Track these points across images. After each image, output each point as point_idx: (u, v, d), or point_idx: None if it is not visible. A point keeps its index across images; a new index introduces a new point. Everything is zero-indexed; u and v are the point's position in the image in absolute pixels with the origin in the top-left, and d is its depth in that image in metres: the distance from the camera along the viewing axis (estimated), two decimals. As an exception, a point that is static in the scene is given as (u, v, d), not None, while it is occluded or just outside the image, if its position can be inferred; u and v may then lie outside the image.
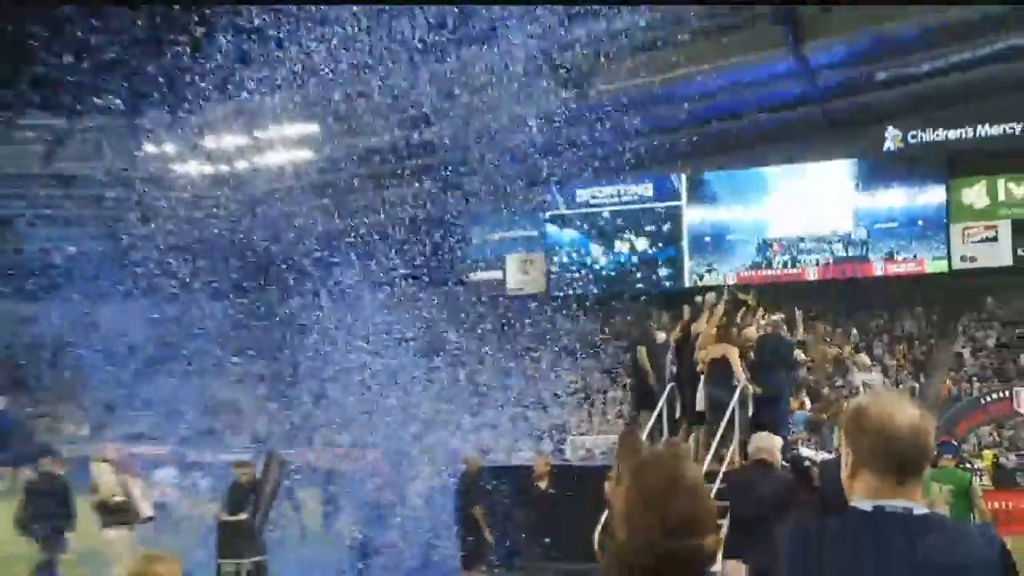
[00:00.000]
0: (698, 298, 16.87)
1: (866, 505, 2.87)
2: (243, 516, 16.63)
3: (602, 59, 45.12)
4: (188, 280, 41.93)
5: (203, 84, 36.10)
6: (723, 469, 13.12)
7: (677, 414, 16.03)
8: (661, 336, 17.19)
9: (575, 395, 49.21)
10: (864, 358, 20.34)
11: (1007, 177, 47.89)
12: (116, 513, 15.79)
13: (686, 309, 17.20)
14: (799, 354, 16.12)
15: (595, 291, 53.90)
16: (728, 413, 14.50)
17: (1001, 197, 48.05)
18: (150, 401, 38.73)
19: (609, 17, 37.85)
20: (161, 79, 38.68)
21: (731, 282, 46.07)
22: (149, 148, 53.24)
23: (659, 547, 2.78)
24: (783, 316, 16.46)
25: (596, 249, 55.10)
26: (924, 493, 2.92)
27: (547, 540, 14.36)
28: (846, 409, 10.88)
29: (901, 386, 42.92)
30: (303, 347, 32.32)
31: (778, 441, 11.40)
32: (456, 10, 34.94)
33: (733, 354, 14.86)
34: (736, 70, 46.77)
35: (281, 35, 31.97)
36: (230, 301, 48.78)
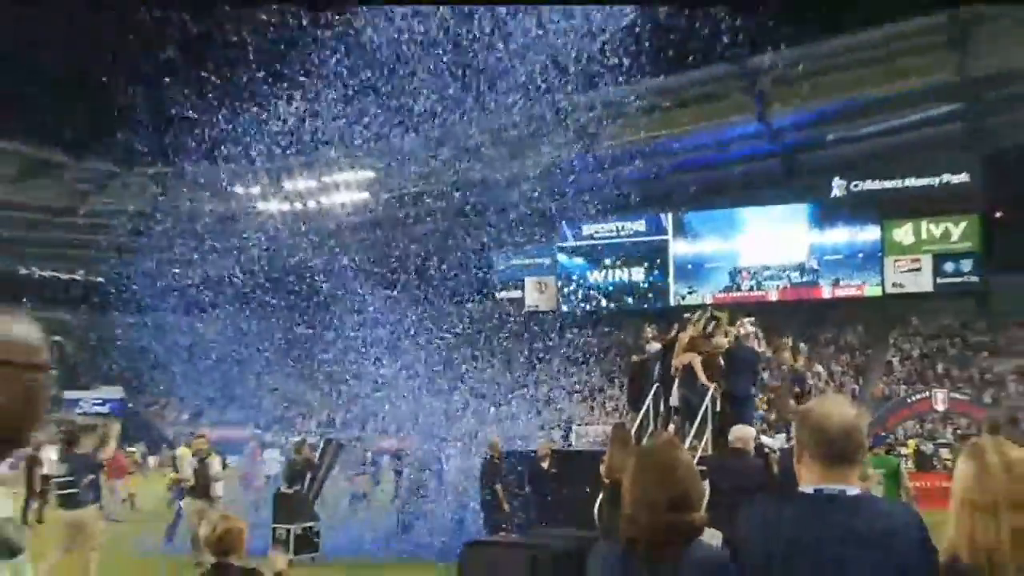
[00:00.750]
0: (687, 315, 16.83)
1: (809, 488, 2.89)
2: (296, 489, 16.71)
3: (606, 121, 45.34)
4: (269, 298, 41.99)
5: (281, 138, 36.15)
6: (697, 456, 13.06)
7: (662, 409, 15.73)
8: (655, 346, 16.79)
9: (579, 393, 49.24)
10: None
11: (928, 220, 48.11)
12: (192, 491, 15.92)
13: (676, 326, 17.17)
14: (763, 361, 16.02)
15: (597, 308, 53.80)
16: (701, 410, 14.36)
17: (924, 236, 48.37)
18: (236, 395, 38.84)
19: (612, 85, 37.85)
20: (249, 134, 38.71)
21: (708, 302, 46.16)
22: (238, 189, 53.37)
23: (659, 519, 2.94)
24: (754, 331, 16.39)
25: (598, 274, 55.05)
26: (863, 476, 2.95)
27: (553, 510, 14.36)
28: (795, 409, 10.85)
29: (844, 388, 43.12)
30: (364, 351, 32.13)
31: (752, 432, 11.35)
32: (488, 80, 34.82)
33: (696, 361, 14.69)
34: (714, 130, 47.82)
35: (339, 97, 31.97)
36: (304, 316, 48.92)
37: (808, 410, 3.08)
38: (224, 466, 17.05)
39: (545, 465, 15.71)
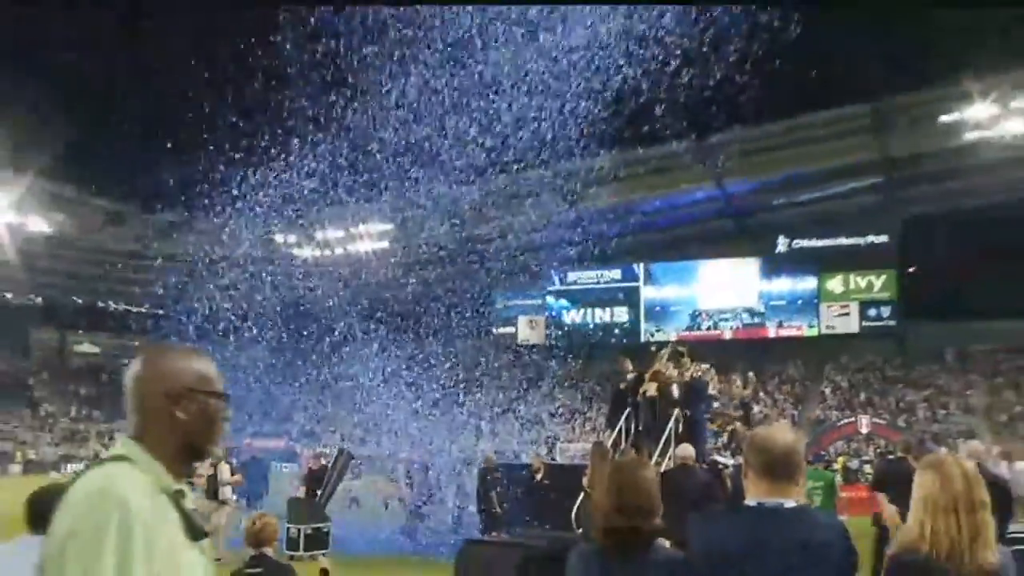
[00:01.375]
0: (654, 348, 16.81)
1: (752, 502, 2.93)
2: (308, 494, 16.67)
3: (591, 186, 45.45)
4: (302, 329, 41.88)
5: (312, 194, 36.20)
6: (661, 470, 13.05)
7: (633, 430, 15.68)
8: (629, 377, 16.32)
9: (563, 414, 49.11)
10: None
11: (855, 274, 48.17)
12: (204, 493, 15.93)
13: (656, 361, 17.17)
14: (715, 391, 15.96)
15: (579, 343, 53.61)
16: (664, 431, 14.24)
17: (852, 287, 48.40)
18: (273, 412, 38.62)
19: (592, 155, 37.95)
20: (288, 189, 38.74)
21: (672, 339, 46.10)
22: (278, 237, 53.25)
23: (625, 524, 3.06)
24: (708, 365, 16.40)
25: (581, 313, 54.83)
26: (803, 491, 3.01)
27: (540, 514, 14.31)
28: (743, 432, 10.82)
29: (785, 413, 43.17)
30: (381, 376, 31.98)
31: (692, 450, 11.08)
32: (486, 152, 34.83)
33: (666, 389, 14.69)
34: (679, 194, 48.00)
35: (364, 161, 32.00)
36: (331, 345, 48.53)
37: (756, 434, 3.11)
38: (232, 472, 16.99)
39: (539, 476, 15.70)
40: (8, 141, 41.44)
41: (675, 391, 14.86)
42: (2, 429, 49.65)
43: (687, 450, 10.98)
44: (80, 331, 61.34)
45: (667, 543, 3.43)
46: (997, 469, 11.01)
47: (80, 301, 57.74)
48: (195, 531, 2.01)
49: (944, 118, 40.14)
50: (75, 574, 1.75)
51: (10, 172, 43.52)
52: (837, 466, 34.30)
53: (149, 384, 2.08)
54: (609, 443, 14.82)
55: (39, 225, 48.40)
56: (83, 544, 1.78)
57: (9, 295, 57.89)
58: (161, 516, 1.91)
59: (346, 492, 23.23)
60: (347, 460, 18.50)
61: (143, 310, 53.89)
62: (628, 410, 15.57)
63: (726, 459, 13.70)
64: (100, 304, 56.78)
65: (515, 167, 36.56)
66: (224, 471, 16.43)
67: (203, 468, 17.66)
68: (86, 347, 61.62)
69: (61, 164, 44.10)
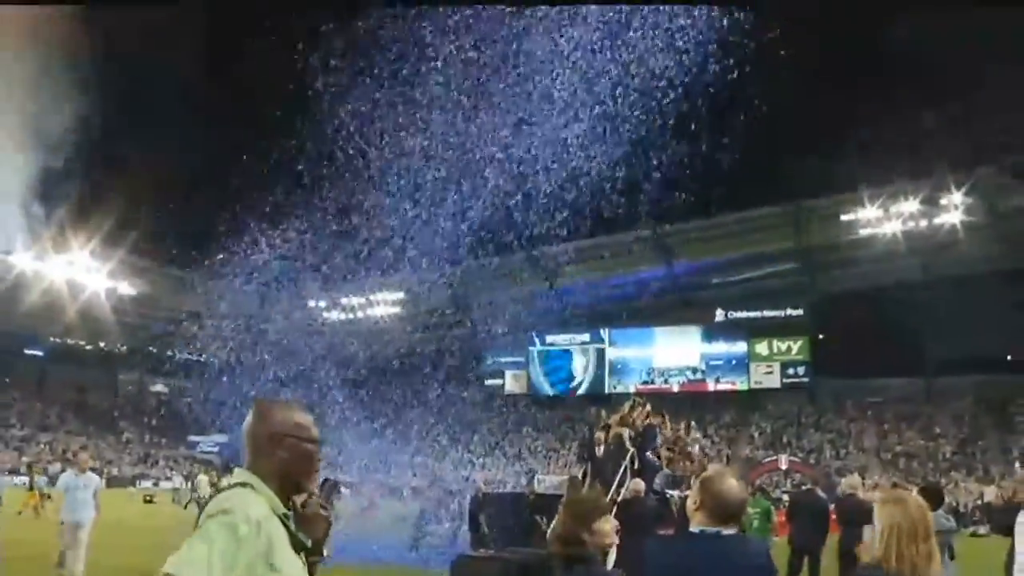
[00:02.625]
0: (623, 401, 16.78)
1: (696, 529, 2.89)
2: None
3: (562, 265, 45.70)
4: (327, 379, 41.45)
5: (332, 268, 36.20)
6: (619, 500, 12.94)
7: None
8: (602, 423, 16.46)
9: (541, 452, 48.70)
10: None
11: (777, 339, 48.13)
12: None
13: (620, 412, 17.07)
14: (663, 436, 15.87)
15: (556, 394, 53.39)
16: (623, 466, 14.18)
17: (775, 350, 48.34)
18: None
19: (566, 239, 38.12)
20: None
21: (632, 391, 45.98)
22: (311, 302, 53.12)
23: (562, 546, 3.04)
24: (661, 415, 16.32)
25: (557, 369, 54.32)
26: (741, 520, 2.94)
27: (524, 534, 14.08)
28: (692, 469, 10.52)
29: (720, 452, 42.83)
30: (390, 418, 31.69)
31: (643, 484, 11.09)
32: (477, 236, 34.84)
33: (625, 433, 14.73)
34: (635, 272, 47.92)
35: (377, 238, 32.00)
36: (351, 391, 48.12)
37: (714, 481, 3.01)
38: (212, 485, 16.39)
39: (533, 498, 15.52)
40: (105, 223, 42.20)
41: (630, 434, 14.77)
42: (93, 451, 49.60)
43: (638, 484, 10.91)
44: (154, 374, 61.78)
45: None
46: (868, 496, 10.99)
47: (155, 350, 57.91)
48: (297, 544, 2.08)
49: (844, 217, 40.76)
50: (199, 536, 1.89)
51: (107, 247, 44.31)
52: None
53: (258, 429, 2.15)
54: (580, 475, 14.92)
55: (127, 289, 48.82)
56: (210, 524, 1.91)
57: (103, 344, 58.51)
58: (274, 530, 2.00)
59: (360, 510, 22.88)
60: (331, 488, 18.11)
61: (203, 359, 53.64)
62: (596, 449, 15.48)
63: (674, 492, 13.44)
64: (170, 353, 56.78)
65: (499, 249, 36.75)
66: (203, 482, 15.73)
67: (204, 485, 17.03)
68: (159, 387, 62.14)
69: (144, 240, 44.59)
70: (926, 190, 38.62)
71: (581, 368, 53.68)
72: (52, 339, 56.73)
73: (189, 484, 35.71)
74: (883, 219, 40.16)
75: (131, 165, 42.02)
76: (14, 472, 39.10)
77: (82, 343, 57.77)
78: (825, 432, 44.17)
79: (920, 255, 41.21)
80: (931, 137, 35.92)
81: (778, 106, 35.80)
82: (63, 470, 35.73)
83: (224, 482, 2.21)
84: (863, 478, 31.35)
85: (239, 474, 2.14)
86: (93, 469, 10.96)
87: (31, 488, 24.38)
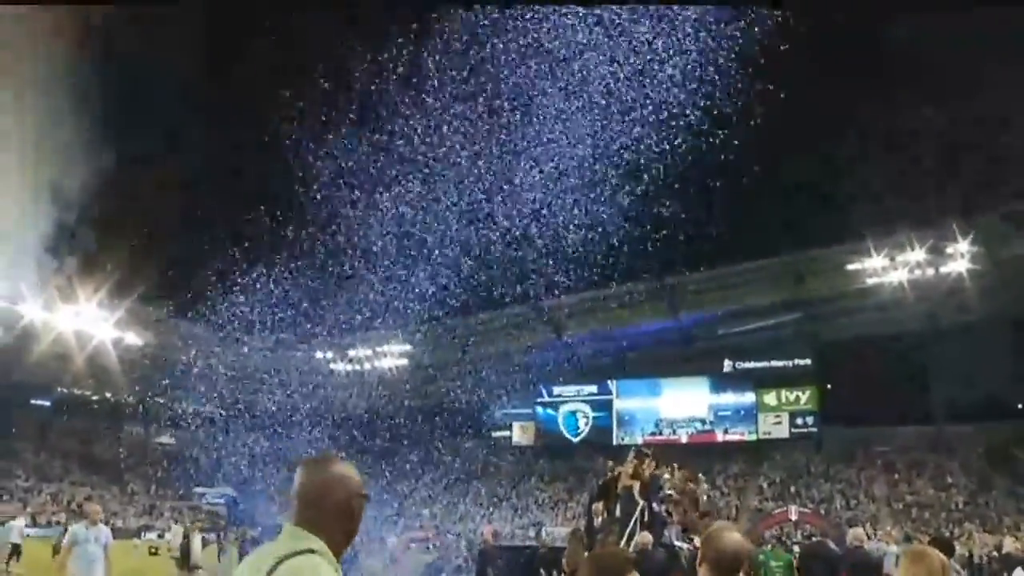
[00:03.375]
0: (632, 452, 16.86)
1: None
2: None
3: (569, 316, 46.11)
4: (336, 430, 41.73)
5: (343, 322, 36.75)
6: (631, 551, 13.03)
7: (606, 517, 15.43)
8: (609, 474, 16.23)
9: (549, 503, 48.78)
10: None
11: (785, 389, 48.43)
12: (177, 560, 15.88)
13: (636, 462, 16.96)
14: (671, 489, 15.99)
15: (563, 444, 53.50)
16: (633, 519, 14.15)
17: (783, 400, 48.59)
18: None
19: (574, 291, 38.58)
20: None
21: (640, 442, 46.10)
22: (318, 354, 53.40)
23: None
24: (667, 467, 16.42)
25: (564, 420, 54.31)
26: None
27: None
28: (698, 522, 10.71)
29: (730, 503, 42.91)
30: (401, 468, 31.98)
31: (650, 537, 11.27)
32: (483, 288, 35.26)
33: (635, 485, 14.65)
34: (643, 324, 47.98)
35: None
36: (359, 438, 48.23)
37: (714, 536, 3.10)
38: (204, 544, 16.53)
39: (543, 552, 15.67)
40: (113, 274, 42.88)
41: (639, 486, 14.81)
42: (97, 502, 49.53)
43: (646, 537, 11.12)
44: (161, 426, 62.04)
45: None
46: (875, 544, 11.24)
47: (161, 401, 58.22)
48: None
49: (849, 267, 41.25)
50: None
51: (114, 297, 44.92)
52: (769, 548, 34.21)
53: (335, 487, 2.19)
54: (584, 528, 15.09)
55: (134, 339, 49.27)
56: None
57: (109, 395, 58.82)
58: None
59: (383, 550, 23.12)
60: None
61: (209, 410, 54.02)
62: (602, 500, 15.46)
63: (681, 543, 13.36)
64: (176, 405, 57.11)
65: (504, 300, 37.22)
66: (196, 541, 16.06)
67: (175, 539, 17.05)
68: (164, 439, 62.25)
69: (152, 291, 45.14)
70: (931, 239, 39.14)
71: (588, 419, 53.81)
72: (59, 389, 57.20)
73: (177, 539, 35.69)
74: (889, 268, 40.64)
75: (141, 215, 42.66)
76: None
77: (88, 393, 58.19)
78: (835, 482, 44.18)
79: (927, 303, 41.48)
80: (937, 185, 36.37)
81: (781, 156, 36.72)
82: (68, 522, 35.98)
83: (275, 548, 2.15)
84: (875, 529, 31.58)
85: (299, 536, 2.14)
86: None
87: None
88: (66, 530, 24.81)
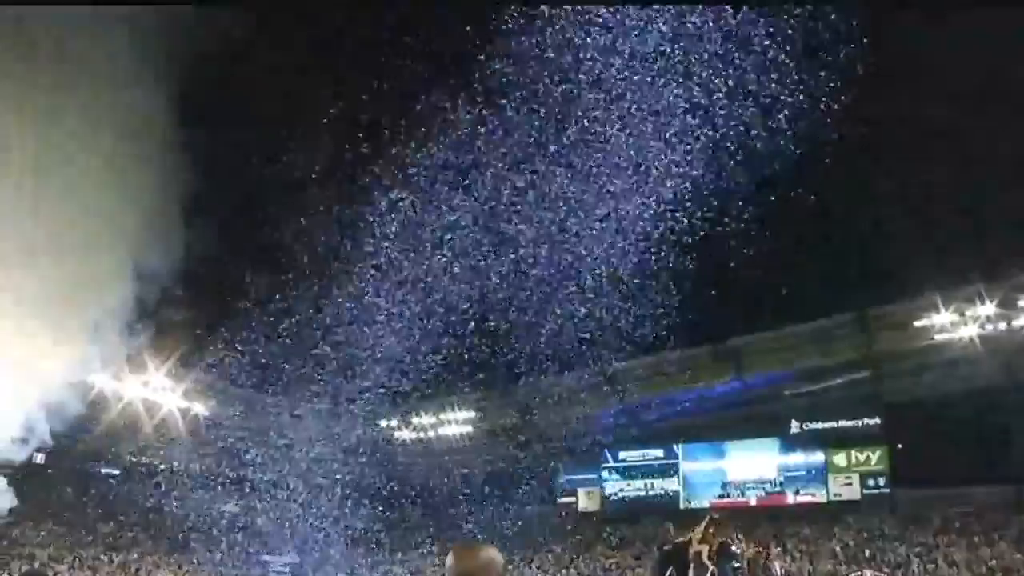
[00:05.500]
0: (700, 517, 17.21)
1: None
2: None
3: (633, 381, 47.41)
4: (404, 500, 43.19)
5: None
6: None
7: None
8: (673, 539, 16.55)
9: (616, 571, 49.58)
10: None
11: (855, 450, 48.89)
12: None
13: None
14: (740, 554, 16.06)
15: (628, 510, 54.31)
16: None
17: (853, 461, 49.00)
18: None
19: (637, 356, 40.11)
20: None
21: (707, 506, 47.17)
22: (383, 422, 54.98)
23: None
24: (735, 533, 16.03)
25: (630, 485, 55.10)
26: None
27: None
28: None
29: (802, 568, 43.35)
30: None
31: None
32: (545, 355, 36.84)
33: (704, 549, 14.98)
34: (708, 386, 48.96)
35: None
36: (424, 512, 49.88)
37: None
38: None
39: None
40: (181, 344, 45.43)
41: (708, 552, 15.14)
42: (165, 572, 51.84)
43: None
44: (226, 494, 63.90)
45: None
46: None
47: (229, 471, 60.02)
48: None
49: (916, 323, 41.83)
50: None
51: (182, 368, 47.48)
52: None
53: (487, 571, 2.46)
54: None
55: (200, 409, 51.94)
56: None
57: (176, 463, 60.98)
58: None
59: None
60: None
61: (275, 479, 56.30)
62: (671, 568, 15.83)
63: None
64: (239, 472, 58.96)
65: (566, 365, 38.85)
66: None
67: None
68: (230, 506, 63.96)
69: (220, 361, 47.23)
70: (1001, 292, 39.73)
71: (655, 483, 54.46)
72: (129, 458, 59.82)
73: None
74: (958, 323, 41.13)
75: (214, 287, 44.88)
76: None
77: (156, 462, 60.77)
78: (911, 545, 44.30)
79: (1000, 356, 41.76)
80: (1005, 236, 36.71)
81: (843, 211, 37.97)
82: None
83: None
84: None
85: None
86: None
87: None
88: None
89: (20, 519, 48.49)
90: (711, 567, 14.76)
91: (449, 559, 2.45)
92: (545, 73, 24.72)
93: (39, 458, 49.87)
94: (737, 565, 15.31)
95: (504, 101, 25.31)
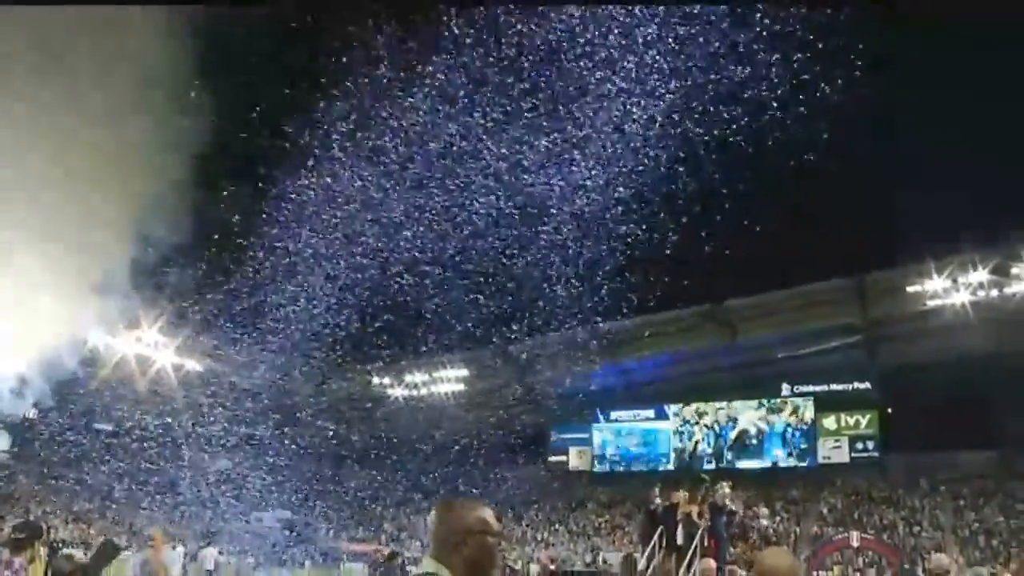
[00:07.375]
0: (690, 477, 17.07)
1: None
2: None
3: (625, 341, 47.64)
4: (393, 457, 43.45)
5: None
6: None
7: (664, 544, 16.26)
8: (657, 501, 17.19)
9: (605, 529, 50.20)
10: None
11: (845, 414, 49.50)
12: None
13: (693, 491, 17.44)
14: (732, 514, 16.18)
15: (618, 469, 54.93)
16: (694, 544, 15.11)
17: (843, 424, 49.59)
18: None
19: (631, 316, 40.25)
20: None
21: (697, 467, 47.77)
22: (374, 379, 55.23)
23: None
24: (730, 493, 16.30)
25: (619, 446, 55.61)
26: None
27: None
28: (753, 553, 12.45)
29: (789, 529, 44.07)
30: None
31: (712, 563, 11.67)
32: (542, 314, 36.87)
33: (694, 509, 15.64)
34: (700, 348, 49.00)
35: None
36: (413, 469, 50.27)
37: (759, 559, 3.20)
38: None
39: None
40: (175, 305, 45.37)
41: (699, 511, 15.72)
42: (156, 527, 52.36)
43: (709, 563, 11.61)
44: (217, 449, 64.24)
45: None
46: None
47: (220, 428, 59.98)
48: None
49: (910, 289, 41.84)
50: None
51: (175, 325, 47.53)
52: (833, 574, 35.69)
53: (446, 526, 2.40)
54: (644, 555, 16.10)
55: (194, 365, 52.18)
56: None
57: (168, 420, 61.08)
58: None
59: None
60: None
61: (265, 435, 56.60)
62: (660, 527, 16.33)
63: (742, 572, 13.44)
64: (232, 428, 59.10)
65: (560, 325, 38.99)
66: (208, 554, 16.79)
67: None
68: (222, 463, 64.07)
69: (209, 317, 47.27)
70: (995, 259, 39.78)
71: (645, 444, 55.03)
72: (122, 414, 59.99)
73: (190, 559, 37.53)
74: (951, 289, 41.21)
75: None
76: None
77: (149, 419, 60.94)
78: (898, 508, 45.01)
79: (992, 325, 41.85)
80: (1001, 203, 36.60)
81: (840, 175, 37.89)
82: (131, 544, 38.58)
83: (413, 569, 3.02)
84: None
85: (428, 563, 2.38)
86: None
87: None
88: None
89: (14, 473, 48.94)
90: (702, 524, 15.36)
91: (433, 515, 2.47)
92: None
93: (33, 413, 50.10)
94: (726, 520, 15.64)
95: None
